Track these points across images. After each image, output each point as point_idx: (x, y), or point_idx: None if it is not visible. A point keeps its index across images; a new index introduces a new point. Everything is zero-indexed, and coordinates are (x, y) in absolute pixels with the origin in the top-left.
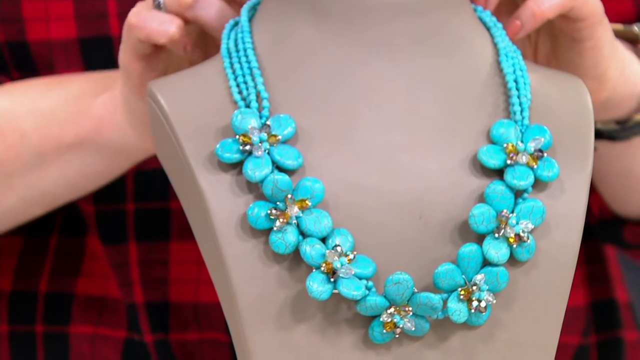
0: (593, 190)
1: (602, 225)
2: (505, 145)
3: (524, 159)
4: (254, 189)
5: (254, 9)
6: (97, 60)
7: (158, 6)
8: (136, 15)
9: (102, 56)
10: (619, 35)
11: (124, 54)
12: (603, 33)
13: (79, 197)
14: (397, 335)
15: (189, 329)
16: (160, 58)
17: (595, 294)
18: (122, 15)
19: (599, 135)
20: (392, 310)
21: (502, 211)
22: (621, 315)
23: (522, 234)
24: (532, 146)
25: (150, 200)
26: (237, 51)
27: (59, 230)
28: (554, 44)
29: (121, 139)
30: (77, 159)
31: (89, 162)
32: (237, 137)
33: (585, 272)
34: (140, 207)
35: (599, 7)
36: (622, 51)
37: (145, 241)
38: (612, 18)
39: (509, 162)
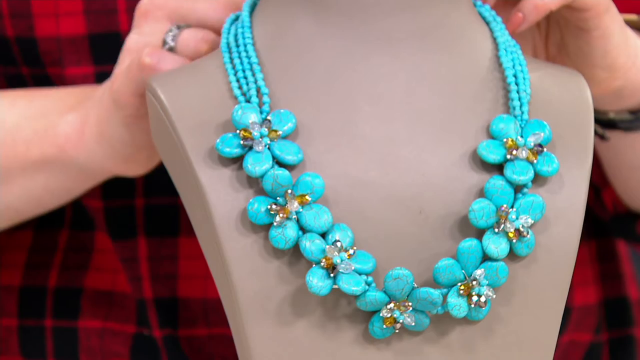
0: (608, 185)
1: (616, 220)
2: (505, 140)
3: (523, 153)
4: (254, 184)
5: (254, 4)
6: (106, 56)
7: (170, 49)
8: (150, 56)
9: (111, 52)
10: (633, 25)
11: (124, 87)
12: (610, 22)
13: (45, 212)
14: (397, 331)
15: (198, 324)
16: None
17: (607, 291)
18: (132, 11)
19: (612, 125)
20: (392, 305)
21: (501, 206)
22: (633, 313)
23: (521, 229)
24: (531, 141)
25: (160, 195)
26: (237, 46)
27: (68, 225)
28: (563, 34)
29: (87, 159)
30: (42, 176)
31: (53, 180)
32: (238, 131)
33: (597, 270)
34: (149, 203)
35: None
36: (635, 40)
37: (154, 237)
38: (626, 11)
39: (508, 157)
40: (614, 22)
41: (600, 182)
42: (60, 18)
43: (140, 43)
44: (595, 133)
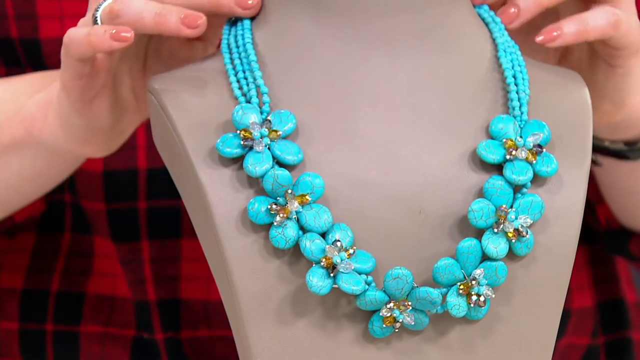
0: (602, 201)
1: (609, 237)
2: (504, 140)
3: (523, 154)
4: (255, 184)
5: None
6: None
7: (95, 21)
8: (67, 36)
9: None
10: None
11: (63, 72)
12: (635, 64)
13: (28, 202)
14: (396, 330)
15: (200, 326)
16: (100, 76)
17: (603, 295)
18: None
19: (607, 153)
20: (391, 304)
21: (501, 206)
22: (630, 316)
23: (520, 229)
24: (531, 141)
25: (162, 198)
26: (237, 47)
27: (71, 229)
28: (583, 62)
29: (50, 140)
30: (15, 161)
31: (26, 164)
32: (238, 132)
33: (590, 275)
34: (152, 205)
35: (638, 38)
36: None
37: (157, 239)
38: None
39: (508, 157)
40: (638, 63)
41: (595, 198)
42: (65, 20)
43: (72, 31)
44: None
